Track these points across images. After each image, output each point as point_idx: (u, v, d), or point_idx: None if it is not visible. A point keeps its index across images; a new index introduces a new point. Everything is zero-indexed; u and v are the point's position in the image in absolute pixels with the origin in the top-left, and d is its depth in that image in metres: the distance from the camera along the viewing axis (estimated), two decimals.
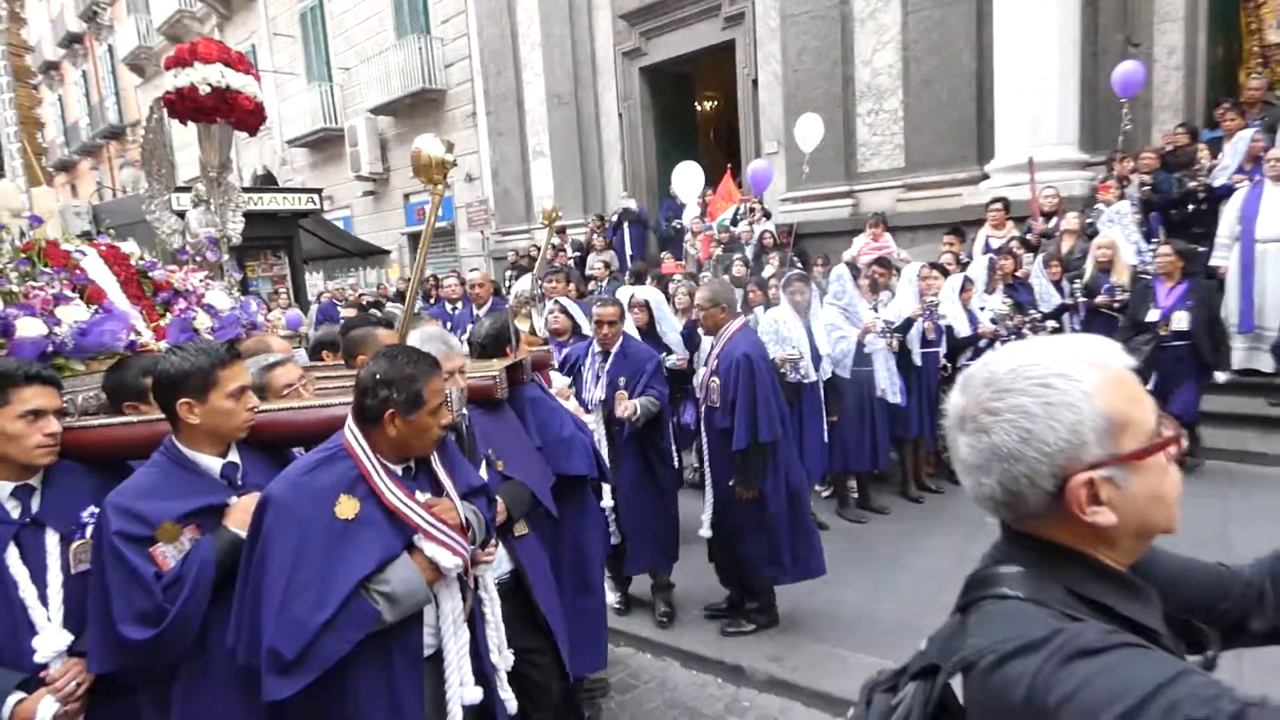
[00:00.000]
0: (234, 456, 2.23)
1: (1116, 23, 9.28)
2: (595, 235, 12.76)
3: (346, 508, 1.98)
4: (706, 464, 4.33)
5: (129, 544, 1.99)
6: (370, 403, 2.03)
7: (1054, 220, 8.49)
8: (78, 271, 2.66)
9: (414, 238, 18.42)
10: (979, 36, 9.82)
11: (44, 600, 2.14)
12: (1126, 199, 7.96)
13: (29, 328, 2.38)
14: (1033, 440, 0.94)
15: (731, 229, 11.53)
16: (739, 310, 4.38)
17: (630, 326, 5.30)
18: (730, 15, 12.17)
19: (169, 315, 2.83)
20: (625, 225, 12.68)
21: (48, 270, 2.55)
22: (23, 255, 2.52)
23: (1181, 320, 6.12)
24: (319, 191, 12.35)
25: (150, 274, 2.90)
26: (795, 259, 9.99)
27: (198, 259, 3.23)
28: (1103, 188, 8.26)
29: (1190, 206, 7.81)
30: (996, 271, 7.19)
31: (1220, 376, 6.36)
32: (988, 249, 8.37)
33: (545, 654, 2.82)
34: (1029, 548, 1.01)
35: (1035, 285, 7.52)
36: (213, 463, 2.18)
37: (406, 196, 17.77)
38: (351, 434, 2.08)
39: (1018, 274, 7.54)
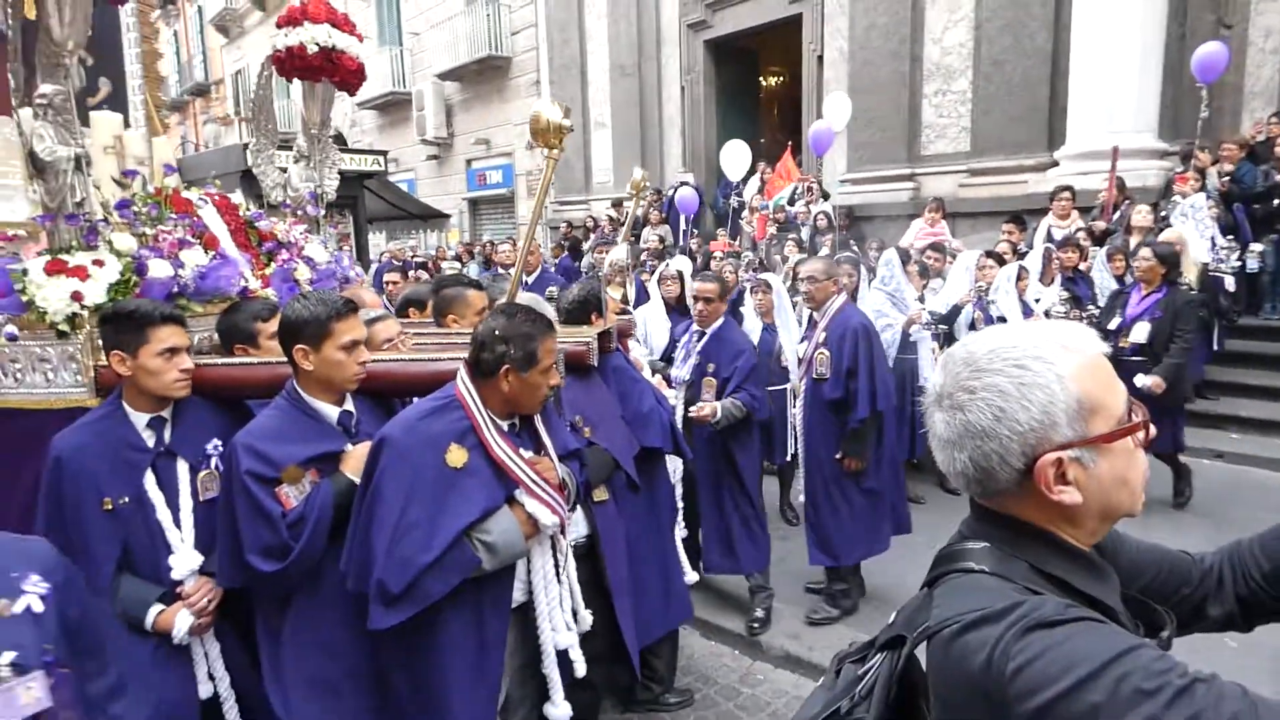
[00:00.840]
0: (349, 405, 2.34)
1: (1208, 1, 8.78)
2: (652, 209, 12.72)
3: (456, 456, 2.09)
4: (802, 438, 4.25)
5: (258, 483, 2.12)
6: (487, 357, 2.11)
7: (1119, 212, 8.19)
8: (196, 219, 2.77)
9: (474, 203, 18.58)
10: (1057, 15, 9.44)
11: (177, 524, 2.31)
12: (1205, 192, 7.61)
13: (159, 269, 2.50)
14: (1005, 419, 0.96)
15: (788, 208, 11.40)
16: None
17: (654, 306, 5.29)
18: None
19: (273, 265, 2.93)
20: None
21: (173, 216, 2.67)
22: (154, 200, 2.63)
23: (1141, 332, 5.39)
24: (385, 154, 12.51)
25: (256, 224, 3.02)
26: (851, 241, 9.83)
27: (298, 212, 3.35)
28: (1180, 179, 7.90)
29: (1276, 201, 7.45)
30: (1053, 263, 6.94)
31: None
32: (1049, 239, 8.08)
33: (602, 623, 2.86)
34: (996, 524, 1.04)
35: (1096, 279, 7.25)
36: (330, 410, 2.30)
37: (469, 162, 17.90)
38: (464, 386, 2.17)
39: (1079, 267, 7.28)
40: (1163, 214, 7.72)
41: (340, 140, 20.44)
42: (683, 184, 12.72)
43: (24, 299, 2.40)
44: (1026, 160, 9.87)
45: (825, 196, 11.20)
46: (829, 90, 11.91)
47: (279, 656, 2.24)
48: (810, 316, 4.36)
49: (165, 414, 2.36)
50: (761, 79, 15.22)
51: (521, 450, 2.20)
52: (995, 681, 0.86)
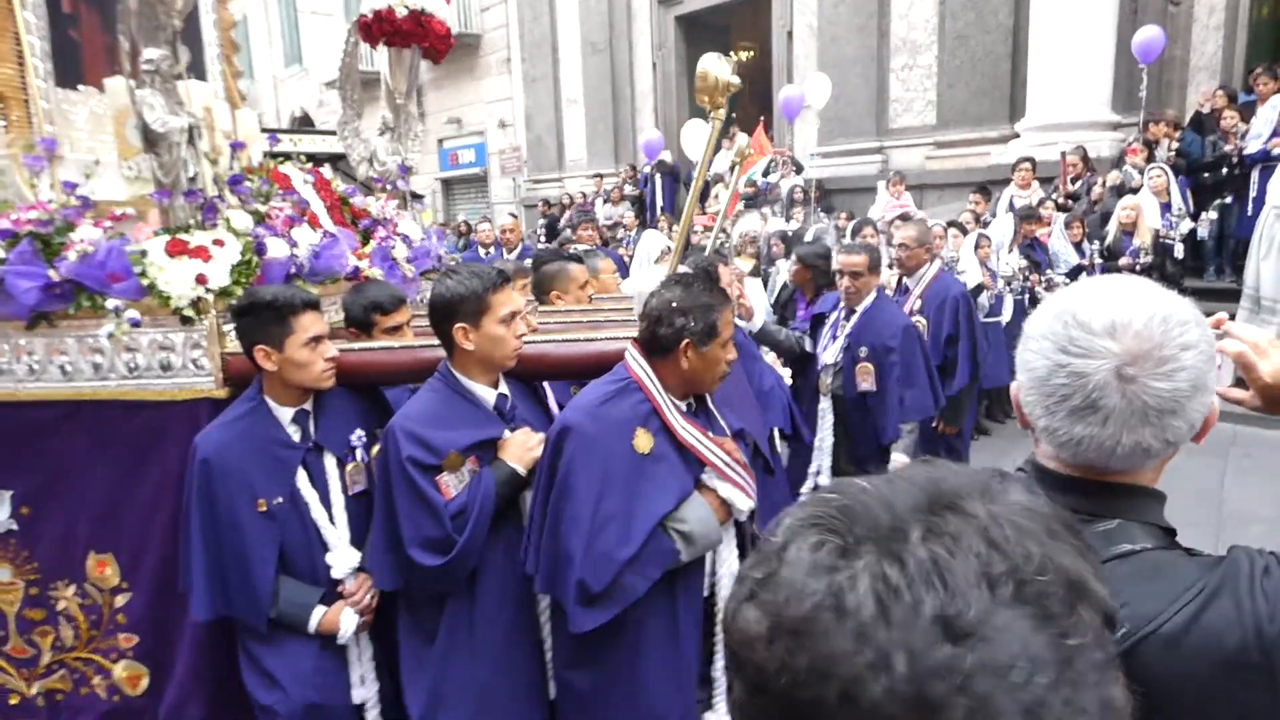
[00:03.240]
0: (504, 388, 2.12)
1: None
2: (626, 184, 12.50)
3: (643, 441, 1.88)
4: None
5: (420, 471, 1.92)
6: (664, 332, 1.89)
7: (1079, 182, 8.33)
8: (297, 196, 2.51)
9: (447, 183, 17.97)
10: None
11: (331, 521, 2.12)
12: (1155, 162, 7.79)
13: (276, 248, 2.26)
14: (1202, 389, 0.88)
15: (757, 183, 11.33)
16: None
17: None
18: None
19: (371, 243, 2.68)
20: (657, 176, 12.40)
21: (280, 193, 2.41)
22: (261, 176, 2.36)
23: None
24: (334, 133, 11.93)
25: (350, 200, 2.76)
26: (822, 214, 9.85)
27: (388, 187, 3.08)
28: (1131, 150, 8.07)
29: (1224, 170, 7.65)
30: (1019, 231, 7.06)
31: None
32: (1011, 208, 8.19)
33: None
34: (1116, 495, 0.94)
35: (1051, 245, 7.36)
36: (487, 394, 2.08)
37: (440, 142, 17.26)
38: (638, 366, 1.95)
39: (1036, 234, 7.39)
40: (1120, 181, 7.88)
41: (308, 121, 19.58)
42: (659, 161, 12.50)
43: (144, 283, 2.13)
44: (990, 133, 9.96)
45: (799, 170, 11.13)
46: (798, 66, 11.81)
47: (422, 659, 2.05)
48: (900, 282, 4.23)
49: (308, 406, 2.14)
50: (732, 54, 14.93)
51: (707, 431, 2.01)
52: (1266, 649, 0.78)
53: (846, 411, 3.54)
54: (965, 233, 6.78)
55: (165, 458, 2.24)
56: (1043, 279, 6.75)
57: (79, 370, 2.26)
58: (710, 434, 1.99)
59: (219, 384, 2.22)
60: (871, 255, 3.57)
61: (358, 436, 2.20)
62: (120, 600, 2.34)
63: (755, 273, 5.59)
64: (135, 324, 2.15)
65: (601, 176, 12.84)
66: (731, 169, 4.29)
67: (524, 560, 1.96)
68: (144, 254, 2.14)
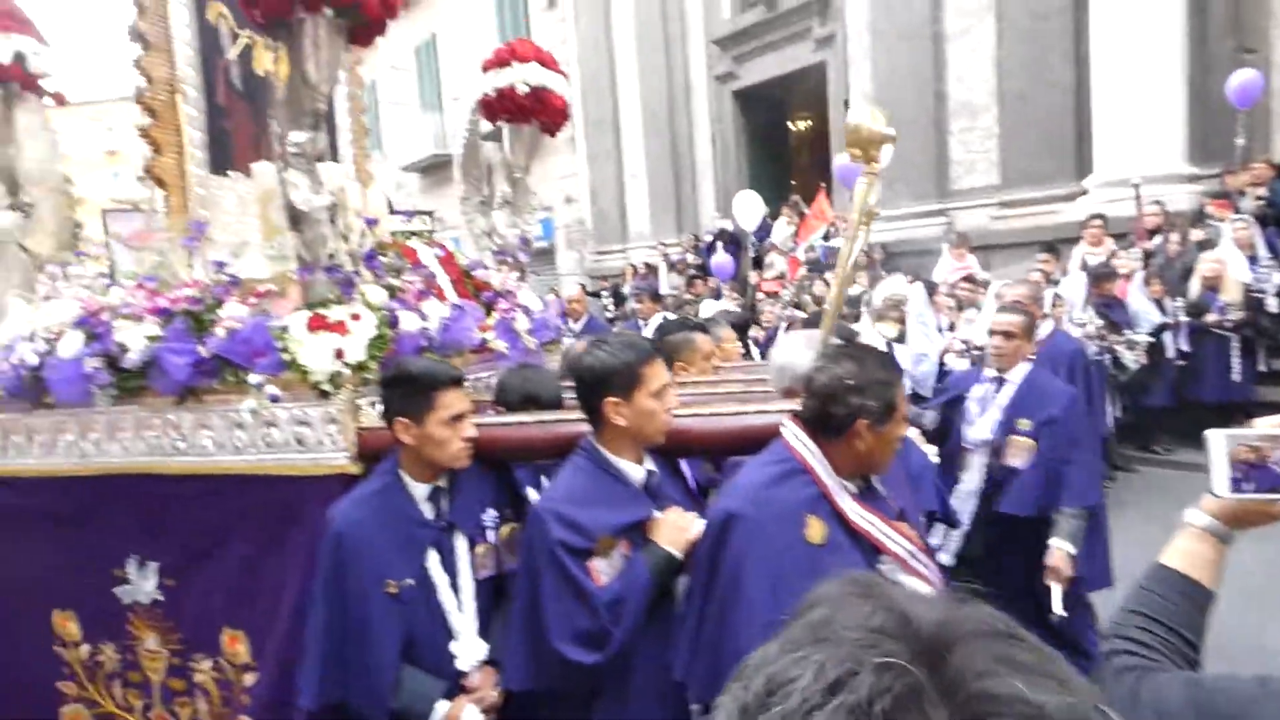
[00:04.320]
0: (650, 464, 2.00)
1: (1226, 29, 8.73)
2: (689, 254, 12.58)
3: (815, 531, 1.68)
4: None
5: (572, 556, 1.78)
6: (838, 412, 1.69)
7: (1157, 238, 8.01)
8: (425, 269, 2.53)
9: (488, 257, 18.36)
10: (1076, 49, 9.38)
11: (459, 607, 2.00)
12: (1239, 213, 7.45)
13: (409, 322, 2.24)
14: None
15: (821, 245, 11.27)
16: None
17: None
18: (821, 37, 11.91)
19: (494, 315, 2.67)
20: (719, 244, 12.46)
21: (409, 267, 2.42)
22: (393, 251, 2.38)
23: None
24: (430, 213, 12.35)
25: (473, 273, 2.77)
26: (884, 277, 9.68)
27: (508, 260, 3.10)
28: (1215, 203, 7.75)
29: None
30: (1092, 290, 6.77)
31: None
32: (1084, 267, 7.89)
33: None
34: None
35: (1131, 304, 7.01)
36: (635, 471, 1.95)
37: (487, 218, 17.79)
38: (802, 446, 1.76)
39: (1114, 292, 7.06)
40: (1203, 237, 7.55)
41: (387, 205, 20.47)
42: (720, 229, 12.58)
43: (285, 357, 2.13)
44: (1056, 190, 9.74)
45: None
46: None
47: None
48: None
49: (442, 483, 2.06)
50: (790, 124, 15.19)
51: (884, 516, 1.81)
52: None
53: (992, 493, 3.13)
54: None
55: (298, 534, 2.20)
56: (1123, 338, 6.46)
57: (222, 444, 2.26)
58: (887, 519, 1.80)
59: (353, 459, 2.18)
60: (1027, 317, 3.21)
61: (490, 516, 2.10)
62: (248, 679, 2.29)
63: (902, 338, 5.37)
64: (275, 399, 2.15)
65: (665, 245, 12.95)
66: (863, 226, 3.86)
67: (674, 664, 1.77)
68: (285, 329, 2.15)
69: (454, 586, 2.00)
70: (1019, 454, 2.99)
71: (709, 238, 12.68)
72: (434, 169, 19.26)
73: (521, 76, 2.92)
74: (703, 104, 13.63)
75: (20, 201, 2.50)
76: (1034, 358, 3.34)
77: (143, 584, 2.40)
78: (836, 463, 1.75)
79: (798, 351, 2.24)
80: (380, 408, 2.07)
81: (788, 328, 5.60)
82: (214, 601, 2.31)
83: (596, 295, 12.91)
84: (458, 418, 1.97)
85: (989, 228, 10.35)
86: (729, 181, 13.46)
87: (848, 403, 1.69)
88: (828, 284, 9.65)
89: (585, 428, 1.99)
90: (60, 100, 2.62)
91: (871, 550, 1.74)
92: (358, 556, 1.92)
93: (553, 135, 3.29)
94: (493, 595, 2.08)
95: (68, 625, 2.57)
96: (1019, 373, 3.18)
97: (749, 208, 11.56)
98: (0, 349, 2.39)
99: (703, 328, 3.02)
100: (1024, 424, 3.02)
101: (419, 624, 1.95)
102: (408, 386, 1.95)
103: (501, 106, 3.00)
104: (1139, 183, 7.97)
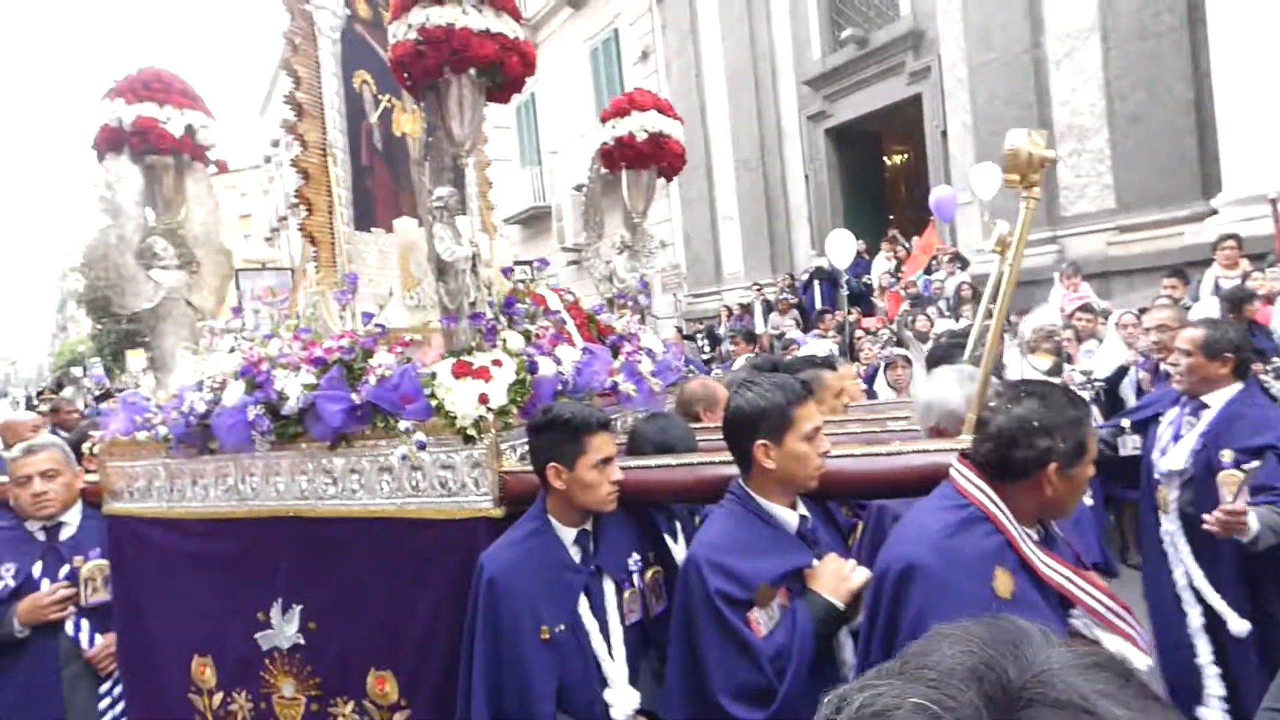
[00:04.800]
0: (803, 509, 1.91)
1: None
2: (784, 293, 12.44)
3: (1003, 584, 1.53)
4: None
5: (731, 607, 1.70)
6: (1024, 455, 1.55)
7: None
8: (555, 315, 2.56)
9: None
10: (1194, 65, 8.86)
11: (610, 654, 1.95)
12: None
13: (546, 367, 2.26)
14: None
15: (925, 278, 10.94)
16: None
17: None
18: (915, 70, 11.71)
19: (619, 358, 2.67)
20: (816, 283, 12.27)
21: (542, 313, 2.46)
22: (526, 299, 2.42)
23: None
24: (531, 263, 12.69)
25: (598, 317, 2.78)
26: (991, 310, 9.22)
27: (630, 304, 3.13)
28: None
29: None
30: (1226, 315, 6.17)
31: None
32: (1217, 290, 7.26)
33: None
34: None
35: (1277, 329, 6.38)
36: (789, 516, 1.87)
37: (607, 263, 18.18)
38: (978, 490, 1.61)
39: (1253, 315, 6.43)
40: None
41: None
42: (817, 268, 12.40)
43: (432, 403, 2.17)
44: (1180, 211, 9.13)
45: (964, 265, 10.66)
46: (955, 163, 11.53)
47: None
48: (1159, 369, 3.57)
49: (589, 527, 2.04)
50: (885, 158, 14.94)
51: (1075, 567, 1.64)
52: None
53: (1200, 535, 2.66)
54: None
55: (444, 575, 2.21)
56: (1268, 366, 5.88)
57: (370, 488, 2.31)
58: (1076, 568, 1.63)
59: (496, 503, 2.19)
60: (1210, 331, 2.82)
61: (634, 560, 2.06)
62: (399, 718, 2.29)
63: (1056, 370, 5.05)
64: (421, 446, 2.18)
65: (760, 286, 12.85)
66: (999, 254, 3.41)
67: None
68: (433, 376, 2.19)
69: (605, 632, 1.96)
70: (1230, 491, 2.50)
71: (805, 277, 12.53)
72: (533, 220, 19.95)
73: (640, 124, 2.96)
74: (795, 144, 13.58)
75: (188, 261, 2.69)
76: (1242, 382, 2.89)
77: (285, 629, 2.44)
78: (1017, 508, 1.60)
79: (948, 388, 2.10)
80: (527, 453, 2.07)
81: (887, 366, 5.38)
82: (359, 643, 2.34)
83: (691, 339, 12.89)
84: (605, 461, 1.95)
85: (1105, 254, 9.79)
86: (824, 219, 13.29)
87: (1035, 445, 1.55)
88: (930, 319, 9.37)
89: (731, 470, 1.92)
90: (223, 168, 2.84)
91: (1060, 602, 1.58)
92: (513, 602, 1.90)
93: (669, 180, 3.31)
94: (640, 642, 2.02)
95: (205, 672, 2.63)
96: (1226, 394, 2.78)
97: (843, 246, 11.41)
98: (171, 399, 2.55)
99: (832, 364, 2.91)
100: (1227, 455, 2.60)
101: (571, 670, 1.91)
102: (559, 431, 1.94)
103: (621, 153, 3.05)
104: (1276, 197, 7.38)
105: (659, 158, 3.06)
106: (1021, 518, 1.60)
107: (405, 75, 2.11)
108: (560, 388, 2.34)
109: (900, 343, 8.64)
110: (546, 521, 2.00)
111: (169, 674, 2.67)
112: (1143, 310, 6.37)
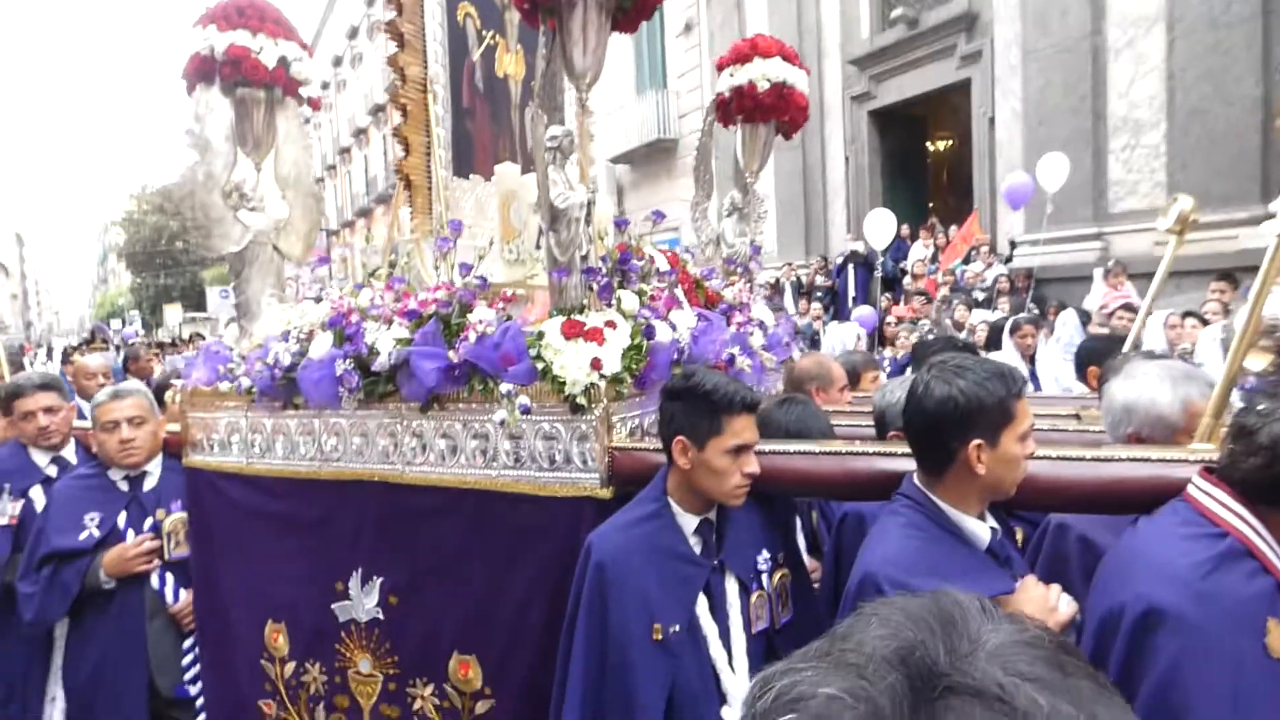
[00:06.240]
0: (992, 520, 1.60)
1: None
2: (818, 275, 12.11)
3: (1278, 640, 1.24)
4: None
5: None
6: None
7: None
8: (669, 274, 2.29)
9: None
10: (1265, 59, 8.40)
11: (731, 665, 1.68)
12: None
13: (663, 332, 2.00)
14: None
15: (963, 268, 10.62)
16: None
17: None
18: (966, 54, 11.25)
19: (731, 328, 2.39)
20: (850, 266, 11.93)
21: (658, 272, 2.19)
22: (639, 257, 2.14)
23: None
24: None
25: (706, 283, 2.51)
26: (1032, 305, 8.94)
27: (740, 270, 2.84)
28: None
29: None
30: None
31: None
32: None
33: None
34: None
35: None
36: (980, 530, 1.55)
37: (640, 238, 17.88)
38: (1238, 518, 1.32)
39: None
40: None
41: None
42: (852, 251, 12.04)
43: (538, 366, 1.92)
44: (1237, 214, 8.72)
45: (1007, 260, 10.33)
46: (1001, 152, 11.11)
47: None
48: None
49: (712, 516, 1.77)
50: (928, 144, 14.47)
51: None
52: None
53: None
54: (1206, 324, 5.72)
55: (541, 558, 1.98)
56: None
57: (464, 457, 2.07)
58: None
59: (604, 483, 1.93)
60: None
61: (765, 559, 1.79)
62: (481, 707, 2.07)
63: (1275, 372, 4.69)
64: (526, 411, 1.93)
65: (792, 265, 12.54)
66: (1178, 233, 2.86)
67: None
68: (540, 336, 1.94)
69: (723, 638, 1.70)
70: None
71: (839, 259, 12.18)
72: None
73: (763, 72, 2.64)
74: (837, 124, 13.14)
75: (277, 203, 2.44)
76: None
77: (364, 601, 2.25)
78: None
79: (1155, 388, 1.78)
80: (638, 428, 1.81)
81: (1013, 330, 5.06)
82: (442, 623, 2.13)
83: None
84: (742, 449, 1.68)
85: (1153, 254, 9.39)
86: (861, 203, 12.91)
87: None
88: (969, 308, 9.05)
89: (889, 464, 1.65)
90: (316, 106, 2.58)
91: None
92: (622, 591, 1.64)
93: (788, 137, 3.01)
94: (763, 655, 1.74)
95: (278, 639, 2.47)
96: None
97: (882, 227, 11.04)
98: (255, 349, 2.33)
99: (969, 347, 2.64)
100: None
101: (685, 680, 1.63)
102: (697, 403, 1.68)
103: (739, 105, 2.73)
104: None
105: (781, 110, 2.75)
106: None
107: None
108: (676, 356, 2.07)
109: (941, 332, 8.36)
110: (666, 504, 1.75)
111: (242, 638, 2.51)
112: (1187, 313, 6.03)
